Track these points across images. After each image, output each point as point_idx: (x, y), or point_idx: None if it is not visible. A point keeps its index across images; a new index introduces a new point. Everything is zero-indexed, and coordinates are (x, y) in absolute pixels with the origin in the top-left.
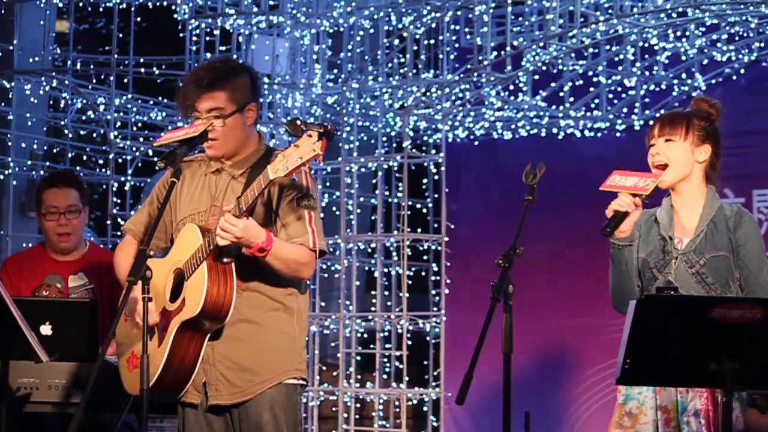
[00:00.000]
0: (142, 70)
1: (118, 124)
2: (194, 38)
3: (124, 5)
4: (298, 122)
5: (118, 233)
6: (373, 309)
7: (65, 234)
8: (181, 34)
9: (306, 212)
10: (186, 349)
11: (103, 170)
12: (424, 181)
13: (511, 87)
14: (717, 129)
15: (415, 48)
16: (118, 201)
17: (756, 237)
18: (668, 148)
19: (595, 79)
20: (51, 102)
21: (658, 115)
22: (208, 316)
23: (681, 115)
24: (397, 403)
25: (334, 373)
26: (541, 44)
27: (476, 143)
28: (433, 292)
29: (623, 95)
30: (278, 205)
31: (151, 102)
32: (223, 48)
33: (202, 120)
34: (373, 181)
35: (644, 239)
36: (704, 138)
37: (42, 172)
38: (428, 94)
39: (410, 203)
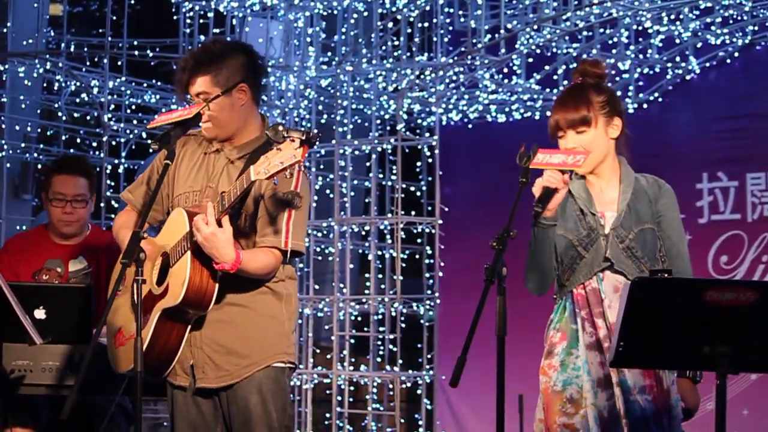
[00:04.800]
0: (136, 52)
1: (112, 106)
2: (188, 21)
3: None
4: (280, 128)
5: (112, 216)
6: (366, 292)
7: (69, 222)
8: (174, 17)
9: (287, 210)
10: (169, 334)
11: (97, 153)
12: (418, 163)
13: (505, 70)
14: (616, 95)
15: (409, 31)
16: (112, 183)
17: (675, 208)
18: (582, 139)
19: None
20: (45, 85)
21: (651, 98)
22: (190, 305)
23: (581, 100)
24: (390, 386)
25: (328, 356)
26: (535, 27)
27: (470, 126)
28: (427, 275)
29: (617, 78)
30: (263, 197)
31: (145, 84)
32: (216, 31)
33: (195, 103)
34: (367, 163)
35: (560, 216)
36: (611, 112)
37: (36, 155)
38: (422, 76)
39: (404, 186)
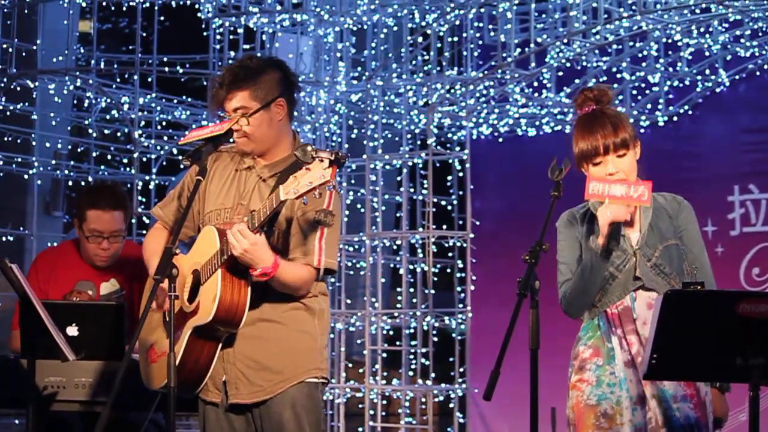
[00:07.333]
0: (166, 69)
1: (142, 123)
2: (218, 37)
3: (148, 4)
4: (309, 148)
5: (143, 232)
6: (398, 306)
7: (105, 258)
8: (204, 33)
9: (320, 228)
10: (200, 352)
11: (128, 169)
12: (449, 178)
13: (535, 84)
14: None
15: (439, 45)
16: (143, 200)
17: (694, 221)
18: (622, 163)
19: (618, 76)
20: (75, 101)
21: (681, 111)
22: (220, 323)
23: (616, 123)
24: (423, 400)
25: (360, 371)
26: (565, 41)
27: (500, 140)
28: (459, 288)
29: (647, 91)
30: (295, 216)
31: (175, 101)
32: (246, 46)
33: (230, 119)
34: (398, 178)
35: (588, 239)
36: (635, 135)
37: (66, 171)
38: (452, 91)
39: (435, 200)
